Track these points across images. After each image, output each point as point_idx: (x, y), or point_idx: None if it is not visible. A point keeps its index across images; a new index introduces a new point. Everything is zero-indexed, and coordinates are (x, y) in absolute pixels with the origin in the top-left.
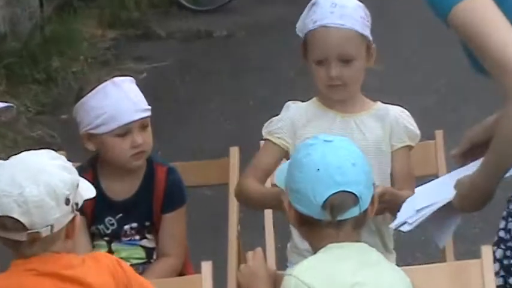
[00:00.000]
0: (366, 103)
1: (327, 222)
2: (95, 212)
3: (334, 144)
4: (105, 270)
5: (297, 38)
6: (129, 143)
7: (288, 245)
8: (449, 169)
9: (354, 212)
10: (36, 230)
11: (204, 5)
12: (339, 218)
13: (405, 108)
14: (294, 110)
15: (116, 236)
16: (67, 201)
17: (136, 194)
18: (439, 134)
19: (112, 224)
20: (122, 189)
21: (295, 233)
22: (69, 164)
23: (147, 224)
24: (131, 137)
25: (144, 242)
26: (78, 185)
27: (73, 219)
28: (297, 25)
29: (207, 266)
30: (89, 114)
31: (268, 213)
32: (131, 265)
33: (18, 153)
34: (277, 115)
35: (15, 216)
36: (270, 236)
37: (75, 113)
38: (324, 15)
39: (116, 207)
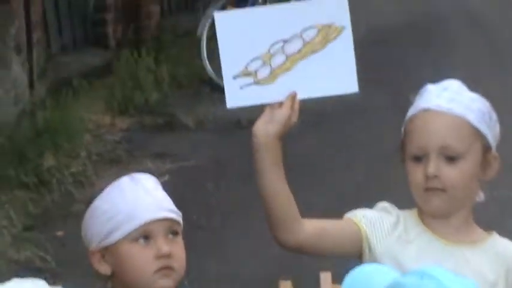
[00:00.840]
0: (477, 232)
1: None
2: None
3: None
4: None
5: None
6: (153, 251)
7: None
8: None
9: None
10: None
11: None
12: None
13: None
14: (391, 216)
15: None
16: None
17: None
18: None
19: None
20: None
21: None
22: None
23: None
24: (155, 244)
25: None
26: None
27: None
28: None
29: None
30: (101, 220)
31: None
32: None
33: None
34: None
35: None
36: None
37: (84, 225)
38: (429, 98)
39: None
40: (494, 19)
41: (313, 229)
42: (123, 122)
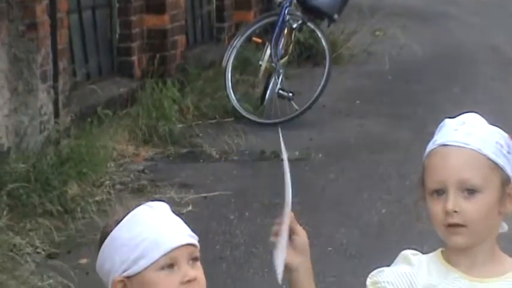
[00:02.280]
0: (504, 264)
1: None
2: None
3: None
4: None
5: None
6: (178, 277)
7: None
8: None
9: None
10: None
11: (269, 116)
12: None
13: None
14: (413, 265)
15: None
16: None
17: None
18: None
19: None
20: None
21: None
22: None
23: None
24: (179, 270)
25: None
26: None
27: None
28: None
29: None
30: (122, 249)
31: None
32: None
33: None
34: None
35: None
36: None
37: (102, 256)
38: (447, 133)
39: None
40: None
41: None
42: (147, 152)
